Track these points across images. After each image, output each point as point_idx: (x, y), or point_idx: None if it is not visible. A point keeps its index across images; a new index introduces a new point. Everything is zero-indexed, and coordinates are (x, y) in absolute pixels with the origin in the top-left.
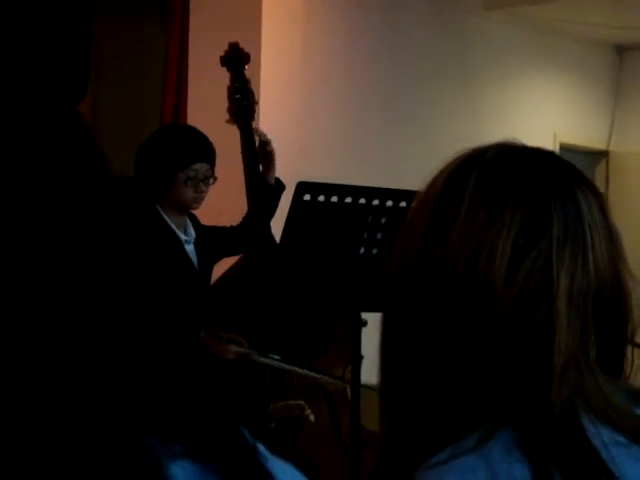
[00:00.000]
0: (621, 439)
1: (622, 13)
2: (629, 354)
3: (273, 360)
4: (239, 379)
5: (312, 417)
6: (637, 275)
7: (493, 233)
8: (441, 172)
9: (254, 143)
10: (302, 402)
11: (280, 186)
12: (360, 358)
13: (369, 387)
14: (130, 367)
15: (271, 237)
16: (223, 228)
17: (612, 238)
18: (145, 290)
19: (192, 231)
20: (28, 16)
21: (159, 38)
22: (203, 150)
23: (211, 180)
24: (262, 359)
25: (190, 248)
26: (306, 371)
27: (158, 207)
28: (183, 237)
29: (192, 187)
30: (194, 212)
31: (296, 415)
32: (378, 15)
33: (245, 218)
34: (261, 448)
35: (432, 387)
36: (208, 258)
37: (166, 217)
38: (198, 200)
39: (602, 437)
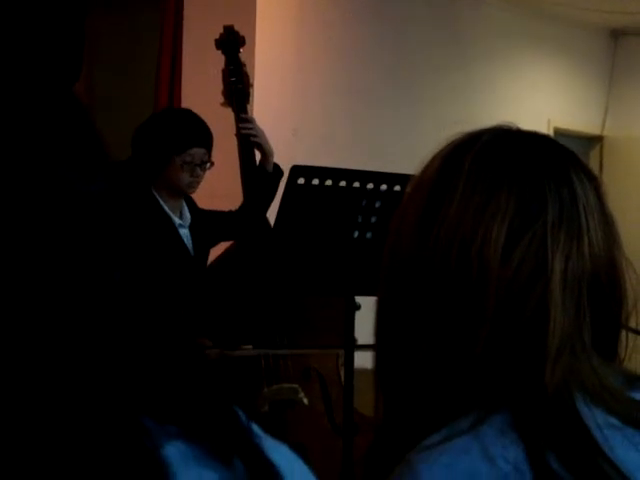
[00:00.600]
0: (615, 422)
1: None
2: (624, 338)
3: (246, 350)
4: (233, 363)
5: (305, 400)
6: (632, 259)
7: (488, 216)
8: (435, 156)
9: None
10: (296, 385)
11: (279, 172)
12: (354, 342)
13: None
14: (125, 349)
15: (265, 221)
16: (221, 212)
17: (607, 222)
18: (141, 273)
19: (188, 215)
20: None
21: (154, 21)
22: (201, 135)
23: (207, 165)
24: (235, 352)
25: (184, 232)
26: (285, 350)
27: (153, 190)
28: (177, 221)
29: (188, 171)
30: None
31: (289, 398)
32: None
33: (242, 204)
34: (255, 428)
35: (427, 370)
36: (204, 242)
37: (161, 200)
38: (193, 185)
39: (596, 419)
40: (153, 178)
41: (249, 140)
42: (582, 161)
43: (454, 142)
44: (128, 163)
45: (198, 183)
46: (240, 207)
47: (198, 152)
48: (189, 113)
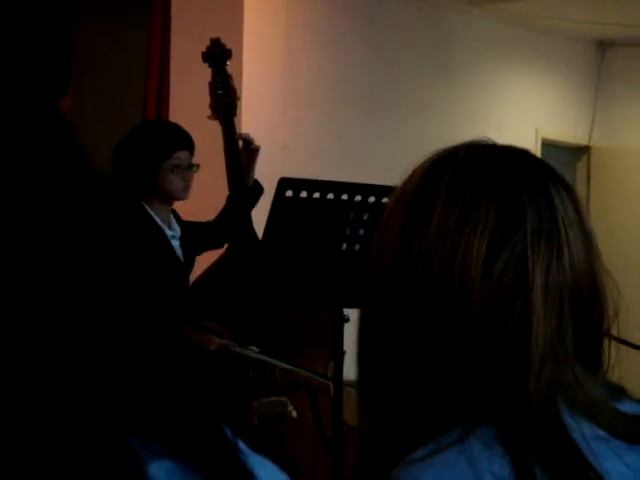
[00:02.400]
0: (601, 433)
1: (604, 9)
2: (606, 349)
3: (252, 352)
4: (221, 374)
5: (294, 413)
6: (617, 268)
7: (468, 229)
8: (414, 171)
9: (236, 139)
10: (285, 398)
11: (258, 188)
12: (342, 354)
13: (351, 386)
14: (111, 366)
15: (253, 233)
16: (202, 223)
17: (586, 234)
18: (132, 287)
19: (177, 226)
20: (9, 14)
21: (141, 34)
22: (183, 138)
23: (194, 168)
24: (241, 350)
25: (176, 243)
26: (284, 364)
27: (144, 203)
28: (170, 232)
29: (179, 175)
30: (176, 207)
31: (278, 411)
32: (360, 11)
33: (221, 212)
34: (242, 445)
35: (411, 383)
36: (192, 252)
37: (152, 213)
38: (186, 189)
39: (582, 431)
40: (145, 189)
41: (237, 150)
42: (560, 174)
43: (432, 158)
44: (114, 178)
45: (189, 187)
46: (219, 215)
47: (183, 155)
48: (166, 122)
